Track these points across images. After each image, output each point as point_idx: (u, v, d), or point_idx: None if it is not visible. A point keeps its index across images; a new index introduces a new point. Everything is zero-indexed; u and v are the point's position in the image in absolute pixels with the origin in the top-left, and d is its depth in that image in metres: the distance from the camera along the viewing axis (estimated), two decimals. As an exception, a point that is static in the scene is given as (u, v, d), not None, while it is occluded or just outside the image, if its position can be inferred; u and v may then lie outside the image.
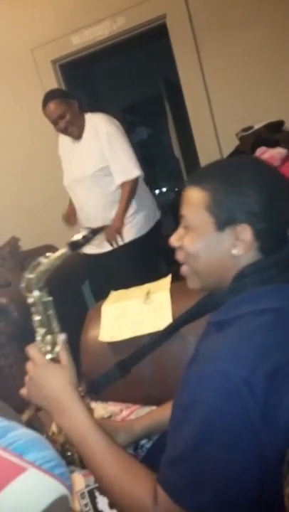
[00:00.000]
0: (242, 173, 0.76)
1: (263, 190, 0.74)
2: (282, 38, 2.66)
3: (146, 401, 1.23)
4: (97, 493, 0.92)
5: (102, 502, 0.90)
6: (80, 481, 0.94)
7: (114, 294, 1.49)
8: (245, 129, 2.54)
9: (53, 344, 0.84)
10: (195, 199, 0.77)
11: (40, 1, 2.97)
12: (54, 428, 0.98)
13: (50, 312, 0.85)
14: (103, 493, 0.91)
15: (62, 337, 0.84)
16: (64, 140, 2.44)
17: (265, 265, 0.75)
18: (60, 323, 0.86)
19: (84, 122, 2.33)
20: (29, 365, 0.83)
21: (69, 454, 0.97)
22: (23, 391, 0.84)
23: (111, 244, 2.34)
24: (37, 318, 0.84)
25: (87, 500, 0.92)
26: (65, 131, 2.32)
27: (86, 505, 0.91)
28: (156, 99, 4.30)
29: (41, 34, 2.99)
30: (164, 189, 5.49)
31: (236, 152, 2.52)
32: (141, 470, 0.75)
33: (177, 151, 3.85)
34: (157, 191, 5.39)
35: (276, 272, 0.75)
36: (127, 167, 2.28)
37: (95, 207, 2.38)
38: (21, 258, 2.86)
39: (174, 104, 3.77)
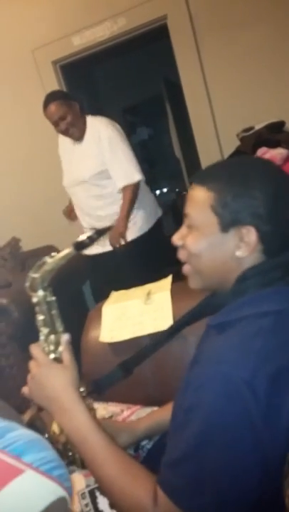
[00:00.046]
0: (249, 175, 0.75)
1: (270, 193, 0.73)
2: (283, 38, 2.66)
3: (147, 401, 1.23)
4: (97, 494, 0.92)
5: (103, 502, 0.90)
6: (80, 481, 0.94)
7: (114, 295, 1.49)
8: (246, 130, 2.54)
9: (57, 344, 0.84)
10: (200, 198, 0.76)
11: (41, 2, 2.97)
12: (55, 428, 0.97)
13: (54, 312, 0.85)
14: (104, 493, 0.91)
15: (65, 337, 0.84)
16: (64, 140, 2.43)
17: (268, 268, 0.75)
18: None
19: (85, 124, 2.33)
20: (32, 364, 0.83)
21: (70, 454, 0.96)
22: (25, 390, 0.84)
23: (115, 249, 2.34)
24: (41, 317, 0.84)
25: (87, 500, 0.92)
26: (65, 133, 2.31)
27: (87, 505, 0.91)
28: (156, 100, 4.31)
29: (42, 35, 2.99)
30: (165, 189, 5.48)
31: (237, 153, 2.52)
32: (141, 471, 0.75)
33: (178, 152, 3.85)
34: (158, 192, 5.37)
35: (279, 274, 0.74)
36: (129, 171, 2.28)
37: (95, 207, 2.38)
38: (22, 259, 2.86)
39: (174, 105, 3.77)
